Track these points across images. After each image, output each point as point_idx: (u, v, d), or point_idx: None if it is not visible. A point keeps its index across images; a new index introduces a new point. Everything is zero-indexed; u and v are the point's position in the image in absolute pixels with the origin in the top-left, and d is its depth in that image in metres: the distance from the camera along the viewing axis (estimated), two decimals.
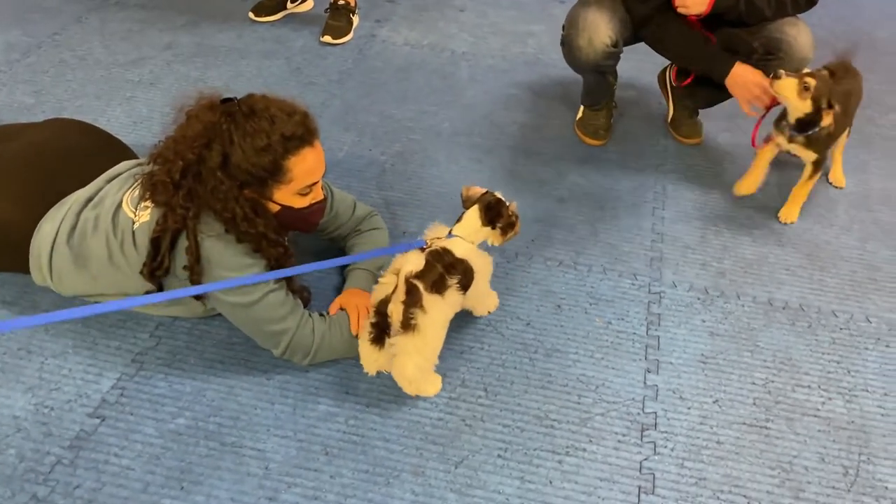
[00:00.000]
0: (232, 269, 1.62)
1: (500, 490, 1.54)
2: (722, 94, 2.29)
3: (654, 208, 2.31)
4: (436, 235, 1.72)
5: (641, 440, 1.65)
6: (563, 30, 2.31)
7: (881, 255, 2.16)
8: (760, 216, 2.29)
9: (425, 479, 1.55)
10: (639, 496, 1.55)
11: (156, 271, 1.63)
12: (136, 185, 1.73)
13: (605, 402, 1.73)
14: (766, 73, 2.11)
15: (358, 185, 2.32)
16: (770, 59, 2.17)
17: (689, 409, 1.73)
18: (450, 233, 1.72)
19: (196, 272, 1.60)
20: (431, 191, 2.32)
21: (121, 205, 1.73)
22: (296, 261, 1.72)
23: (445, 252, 1.65)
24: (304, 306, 1.75)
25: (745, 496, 1.56)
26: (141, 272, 1.64)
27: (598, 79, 2.41)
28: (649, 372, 1.81)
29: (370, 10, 3.32)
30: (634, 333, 1.90)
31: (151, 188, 1.64)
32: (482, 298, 1.87)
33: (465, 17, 3.33)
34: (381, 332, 1.61)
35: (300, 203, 1.65)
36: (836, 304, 2.00)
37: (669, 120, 2.62)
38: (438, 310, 1.61)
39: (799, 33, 2.15)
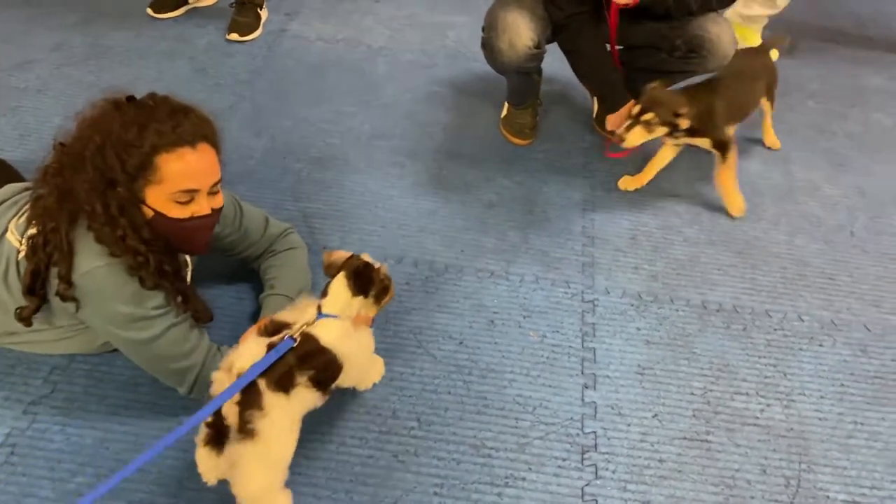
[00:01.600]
0: (125, 301, 1.45)
1: None
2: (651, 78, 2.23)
3: (584, 210, 2.24)
4: (303, 317, 1.44)
5: (582, 464, 1.58)
6: (483, 31, 2.19)
7: (809, 250, 2.16)
8: (689, 213, 2.25)
9: None
10: None
11: (34, 287, 1.47)
12: (23, 210, 1.55)
13: (543, 425, 1.65)
14: (688, 71, 2.17)
15: (272, 197, 2.16)
16: (692, 58, 2.13)
17: (628, 426, 1.67)
18: (318, 311, 1.46)
19: (68, 280, 1.43)
20: (353, 200, 2.19)
21: (5, 233, 1.55)
22: (193, 287, 1.62)
23: (307, 340, 1.39)
24: (205, 322, 1.61)
25: None
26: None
27: (522, 79, 2.32)
28: (587, 388, 1.74)
29: (279, 3, 3.13)
30: (570, 346, 1.83)
31: (39, 212, 1.47)
32: (363, 377, 1.65)
33: (381, 9, 3.18)
34: (218, 434, 1.34)
35: (176, 212, 1.47)
36: (769, 304, 1.98)
37: (595, 116, 2.55)
38: (282, 411, 1.33)
39: (722, 32, 2.10)
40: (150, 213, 1.46)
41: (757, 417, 1.70)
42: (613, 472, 1.58)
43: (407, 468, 1.54)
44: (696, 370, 1.80)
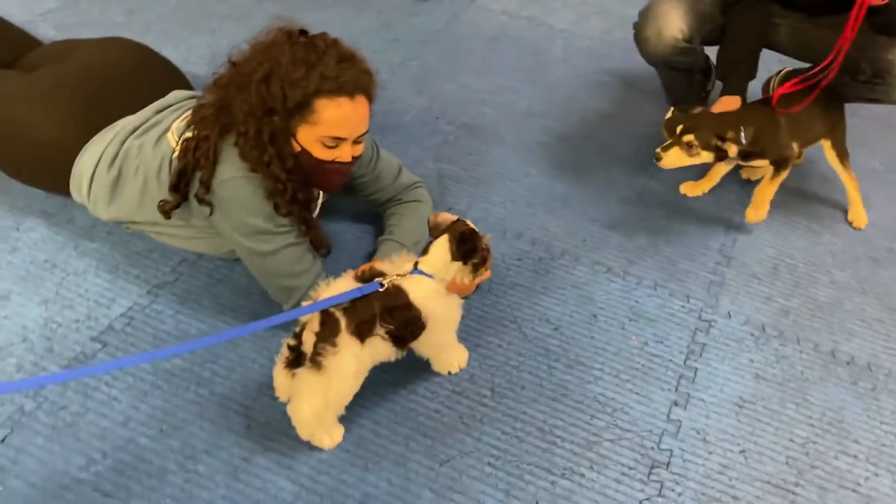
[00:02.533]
0: (254, 214, 1.57)
1: (480, 499, 1.44)
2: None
3: (728, 228, 2.10)
4: (399, 270, 1.47)
5: (648, 478, 1.51)
6: (637, 18, 2.12)
7: None
8: (846, 255, 2.05)
9: (405, 472, 1.46)
10: None
11: (178, 185, 1.61)
12: (185, 115, 1.70)
13: (618, 429, 1.59)
14: (869, 99, 1.98)
15: (415, 153, 2.22)
16: (877, 84, 1.92)
17: (709, 453, 1.56)
18: (415, 267, 1.47)
19: (208, 186, 1.56)
20: (490, 170, 2.20)
21: (165, 133, 1.71)
22: (325, 240, 1.73)
23: (396, 293, 1.41)
24: (322, 252, 1.72)
25: None
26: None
27: (675, 76, 2.20)
28: (676, 405, 1.64)
29: None
30: (671, 361, 1.74)
31: (197, 119, 1.61)
32: (441, 352, 1.60)
33: None
34: (295, 358, 1.38)
35: (320, 153, 1.56)
36: None
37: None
38: (352, 356, 1.36)
39: None
40: (297, 148, 1.56)
41: (859, 484, 1.53)
42: (679, 494, 1.49)
43: (469, 432, 1.54)
44: (802, 417, 1.65)
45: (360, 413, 1.53)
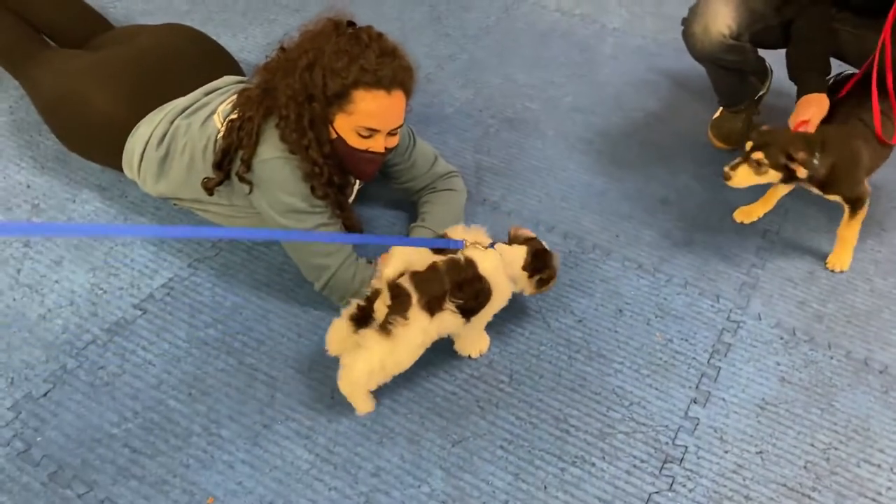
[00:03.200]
0: (290, 193, 1.63)
1: (489, 480, 1.47)
2: None
3: (767, 231, 2.07)
4: (477, 240, 1.54)
5: (660, 472, 1.51)
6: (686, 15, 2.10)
7: None
8: (890, 263, 1.99)
9: (418, 449, 1.51)
10: None
11: (222, 163, 1.68)
12: (231, 98, 1.78)
13: (633, 422, 1.59)
14: None
15: (455, 144, 2.26)
16: None
17: (725, 452, 1.55)
18: (492, 244, 1.56)
19: (249, 164, 1.63)
20: (528, 163, 2.22)
21: (212, 115, 1.79)
22: (358, 223, 1.79)
23: (468, 264, 1.48)
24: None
25: None
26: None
27: (723, 74, 2.17)
28: (695, 402, 1.64)
29: None
30: (694, 359, 1.73)
31: (243, 101, 1.68)
32: (471, 332, 1.62)
33: None
34: (362, 317, 1.46)
35: (355, 142, 1.62)
36: None
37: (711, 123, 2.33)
38: (420, 329, 1.43)
39: None
40: (333, 135, 1.63)
41: (880, 493, 1.50)
42: (690, 490, 1.48)
43: (483, 415, 1.57)
44: (826, 423, 1.62)
45: (379, 390, 1.57)
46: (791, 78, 2.03)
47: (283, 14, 2.79)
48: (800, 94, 1.96)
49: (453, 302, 1.45)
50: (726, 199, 2.14)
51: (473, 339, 1.66)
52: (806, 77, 1.95)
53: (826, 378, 1.71)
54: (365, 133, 1.60)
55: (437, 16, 2.87)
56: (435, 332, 1.48)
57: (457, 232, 1.57)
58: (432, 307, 1.43)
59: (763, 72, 2.30)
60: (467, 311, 1.49)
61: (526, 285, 1.62)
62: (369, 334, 1.44)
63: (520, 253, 1.58)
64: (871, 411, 1.65)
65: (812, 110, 1.85)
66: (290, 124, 1.61)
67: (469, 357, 1.67)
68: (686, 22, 2.08)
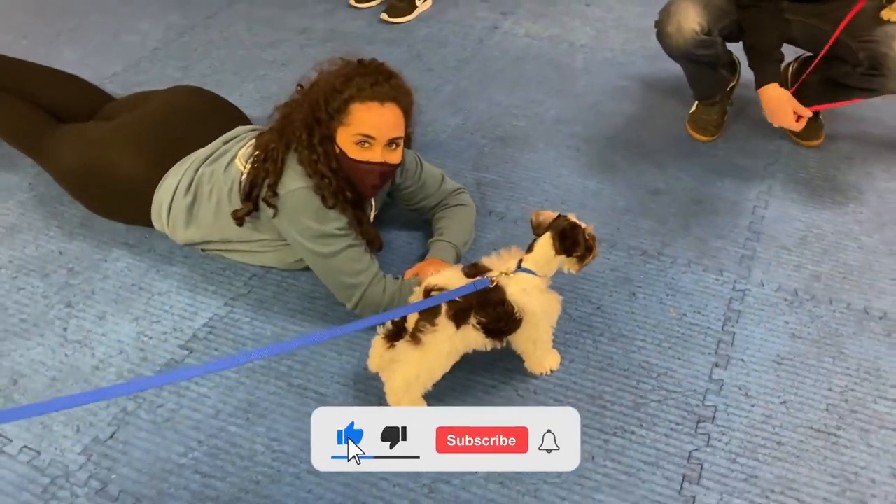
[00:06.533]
0: (318, 220, 1.75)
1: None
2: (837, 96, 2.18)
3: (756, 207, 2.22)
4: (504, 266, 1.59)
5: (695, 431, 1.62)
6: (658, 17, 2.29)
7: None
8: (872, 223, 2.14)
9: None
10: (682, 484, 1.52)
11: (251, 193, 1.81)
12: (249, 143, 1.92)
13: (663, 390, 1.70)
14: (870, 90, 2.11)
15: (454, 165, 2.40)
16: (873, 75, 2.06)
17: (752, 406, 1.66)
18: (519, 265, 1.59)
19: (274, 190, 1.76)
20: (524, 174, 2.36)
21: (234, 160, 1.92)
22: (378, 237, 1.91)
23: (496, 288, 1.53)
24: (374, 251, 1.88)
25: (798, 499, 1.49)
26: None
27: (698, 70, 2.35)
28: (717, 366, 1.75)
29: (497, 2, 3.39)
30: (709, 328, 1.85)
31: (265, 140, 1.83)
32: (536, 349, 1.67)
33: (591, 12, 3.33)
34: (397, 332, 1.57)
35: (354, 153, 1.74)
36: None
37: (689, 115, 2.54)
38: (447, 338, 1.52)
39: None
40: (338, 150, 1.76)
41: None
42: (727, 444, 1.59)
43: (524, 402, 1.68)
44: (839, 369, 1.74)
45: (425, 393, 1.67)
46: (750, 67, 2.23)
47: (272, 69, 2.95)
48: (758, 84, 2.18)
49: (476, 318, 1.53)
50: (714, 184, 2.29)
51: (539, 358, 1.71)
52: (764, 67, 2.17)
53: (833, 329, 1.83)
54: (362, 140, 1.73)
55: (417, 54, 3.04)
56: (461, 344, 1.56)
57: (492, 262, 1.61)
58: (458, 319, 1.52)
59: (732, 64, 2.47)
60: (493, 332, 1.56)
61: (571, 266, 1.62)
62: (402, 346, 1.56)
63: (546, 246, 1.58)
64: (878, 353, 1.77)
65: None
66: (302, 142, 1.77)
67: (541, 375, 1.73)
68: (659, 24, 2.27)
